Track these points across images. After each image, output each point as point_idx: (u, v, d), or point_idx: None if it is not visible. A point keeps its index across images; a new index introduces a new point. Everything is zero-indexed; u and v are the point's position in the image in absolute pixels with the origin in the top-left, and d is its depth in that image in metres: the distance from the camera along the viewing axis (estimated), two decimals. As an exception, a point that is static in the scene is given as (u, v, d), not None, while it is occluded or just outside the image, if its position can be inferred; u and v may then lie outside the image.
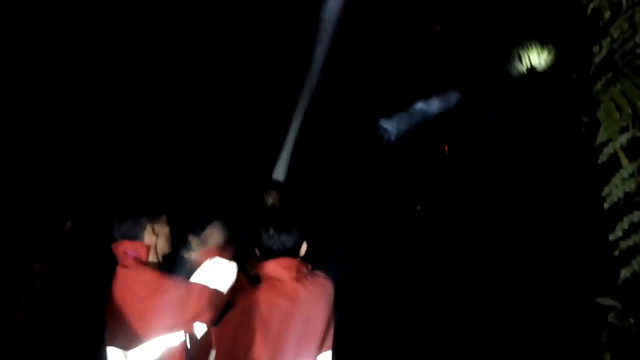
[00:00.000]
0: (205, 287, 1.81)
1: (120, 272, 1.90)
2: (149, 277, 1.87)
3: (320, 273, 1.98)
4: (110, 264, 1.96)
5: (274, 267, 1.88)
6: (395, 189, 5.75)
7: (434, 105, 5.72)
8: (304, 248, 1.98)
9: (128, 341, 1.81)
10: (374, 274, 4.88)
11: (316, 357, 1.85)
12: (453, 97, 5.62)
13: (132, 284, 1.86)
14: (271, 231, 1.90)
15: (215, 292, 1.82)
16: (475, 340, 4.25)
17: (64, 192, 3.73)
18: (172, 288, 1.82)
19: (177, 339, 1.87)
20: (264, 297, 1.83)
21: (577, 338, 3.37)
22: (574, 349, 3.40)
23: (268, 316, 1.79)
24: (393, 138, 5.78)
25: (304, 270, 1.92)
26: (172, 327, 1.84)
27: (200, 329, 1.95)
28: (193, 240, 2.13)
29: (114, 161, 3.97)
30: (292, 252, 1.92)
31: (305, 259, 2.00)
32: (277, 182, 2.93)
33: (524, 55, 4.86)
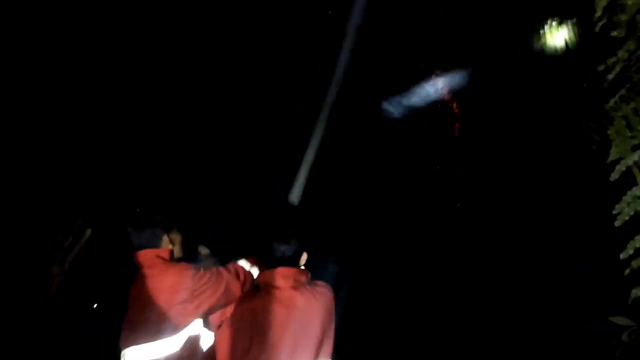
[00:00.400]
0: (237, 264, 2.10)
1: (148, 273, 2.02)
2: (181, 268, 2.04)
3: (320, 282, 2.03)
4: (124, 271, 2.07)
5: (272, 276, 1.95)
6: (396, 189, 5.76)
7: (436, 84, 5.68)
8: (303, 258, 2.05)
9: (152, 335, 1.92)
10: (374, 274, 4.89)
11: None
12: (455, 77, 5.58)
13: (163, 280, 1.99)
14: (270, 241, 1.97)
15: (244, 271, 2.09)
16: (475, 340, 4.26)
17: (81, 196, 3.79)
18: (206, 271, 2.02)
19: (196, 329, 2.00)
20: (261, 304, 1.90)
21: (577, 338, 3.37)
22: (574, 349, 3.41)
23: (265, 322, 1.85)
24: (398, 117, 5.75)
25: (303, 279, 1.98)
26: (204, 308, 1.97)
27: (208, 337, 2.05)
28: (202, 250, 2.23)
29: (123, 168, 4.02)
30: (291, 262, 1.98)
31: (307, 267, 2.06)
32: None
33: (534, 43, 4.82)
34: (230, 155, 4.64)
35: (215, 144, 4.57)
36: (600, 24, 1.43)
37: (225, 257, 2.31)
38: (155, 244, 2.08)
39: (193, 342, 1.98)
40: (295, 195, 3.00)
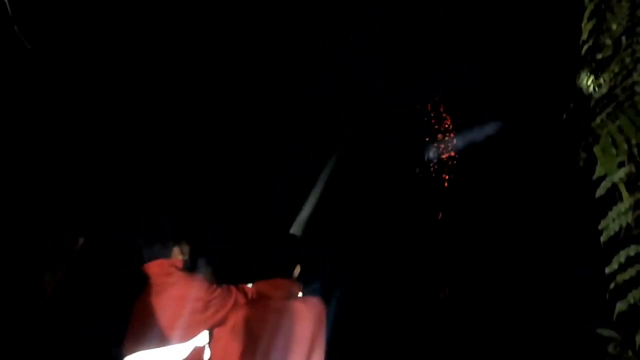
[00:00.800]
0: (246, 286, 2.10)
1: (163, 282, 2.05)
2: (196, 278, 2.09)
3: (312, 296, 2.10)
4: (124, 271, 2.08)
5: (266, 287, 2.05)
6: (394, 189, 5.76)
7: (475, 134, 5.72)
8: (297, 270, 2.12)
9: (159, 341, 1.95)
10: (374, 274, 4.90)
11: None
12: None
13: (179, 288, 2.03)
14: (264, 252, 2.08)
15: (252, 291, 2.10)
16: (476, 340, 4.26)
17: (81, 196, 3.81)
18: (218, 286, 2.06)
19: (203, 340, 2.04)
20: (254, 314, 1.97)
21: (577, 338, 3.38)
22: (574, 349, 3.42)
23: (257, 331, 1.92)
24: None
25: (295, 290, 2.07)
26: (214, 320, 2.01)
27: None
28: (200, 262, 2.28)
29: (123, 168, 4.03)
30: (285, 273, 2.07)
31: (299, 279, 2.13)
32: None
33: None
34: (231, 156, 4.64)
35: (216, 144, 4.58)
36: (586, 46, 1.47)
37: (225, 257, 2.32)
38: (166, 255, 2.10)
39: (199, 353, 2.02)
40: (297, 229, 3.05)
